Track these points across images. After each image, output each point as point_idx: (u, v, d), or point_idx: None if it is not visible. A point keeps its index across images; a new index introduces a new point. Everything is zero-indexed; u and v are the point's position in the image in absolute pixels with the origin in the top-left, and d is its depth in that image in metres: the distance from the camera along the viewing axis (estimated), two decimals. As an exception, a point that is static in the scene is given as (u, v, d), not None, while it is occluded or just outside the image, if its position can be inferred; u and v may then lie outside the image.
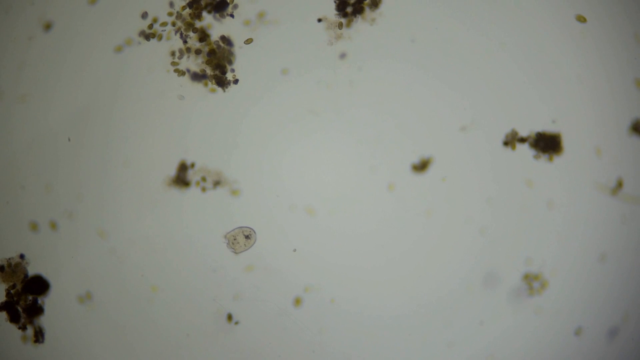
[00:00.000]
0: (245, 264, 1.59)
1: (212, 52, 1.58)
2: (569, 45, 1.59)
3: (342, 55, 1.59)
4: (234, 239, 1.51)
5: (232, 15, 1.58)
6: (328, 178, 1.59)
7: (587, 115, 1.60)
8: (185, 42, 1.59)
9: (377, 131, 1.59)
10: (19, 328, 1.59)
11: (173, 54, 1.59)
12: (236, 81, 1.59)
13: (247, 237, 1.55)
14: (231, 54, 1.59)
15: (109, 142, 1.59)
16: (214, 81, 1.59)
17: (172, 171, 1.59)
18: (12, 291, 1.58)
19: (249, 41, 1.36)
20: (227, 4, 1.58)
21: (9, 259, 1.58)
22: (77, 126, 1.59)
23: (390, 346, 1.59)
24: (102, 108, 1.59)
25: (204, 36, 1.59)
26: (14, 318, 1.59)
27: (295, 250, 1.53)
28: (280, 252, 1.59)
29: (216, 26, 1.58)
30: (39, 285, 1.59)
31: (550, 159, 1.59)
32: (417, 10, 1.59)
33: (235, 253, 1.52)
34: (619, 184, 1.59)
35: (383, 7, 1.58)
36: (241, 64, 1.58)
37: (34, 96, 1.59)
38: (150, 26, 1.59)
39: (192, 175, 1.59)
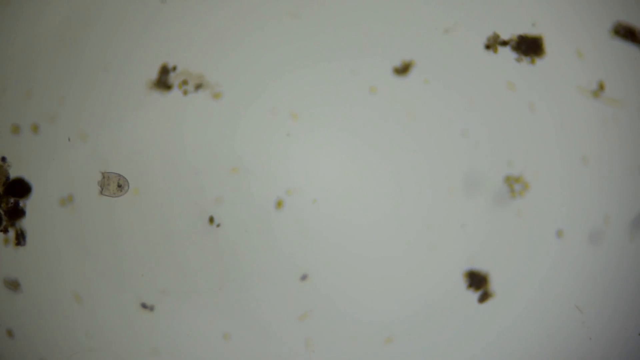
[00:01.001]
0: (228, 167, 1.59)
1: (193, -45, 1.58)
2: (550, -54, 1.59)
3: (324, -42, 1.58)
4: (107, 181, 1.51)
5: None
6: (309, 80, 1.59)
7: (568, 17, 1.60)
8: (166, -56, 1.58)
9: (358, 33, 1.59)
10: (1, 231, 1.59)
11: (154, -44, 1.58)
12: (217, -16, 1.59)
13: (119, 186, 1.54)
14: (212, -44, 1.59)
15: (90, 46, 1.59)
16: (195, -16, 1.58)
17: (154, 74, 1.59)
18: (-7, 194, 1.59)
19: None
20: None
21: (-9, 161, 1.58)
22: (59, 30, 1.59)
23: (371, 247, 1.60)
24: (83, 11, 1.59)
25: (185, -61, 1.58)
26: (-5, 221, 1.59)
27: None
28: (262, 154, 1.59)
29: None
30: (21, 188, 1.59)
31: (532, 61, 1.59)
32: None
33: (101, 194, 1.51)
34: (601, 87, 1.59)
35: None
36: (222, -33, 1.58)
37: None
38: None
39: (173, 78, 1.59)
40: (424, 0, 1.59)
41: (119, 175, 1.51)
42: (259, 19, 1.59)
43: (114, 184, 1.53)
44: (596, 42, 1.59)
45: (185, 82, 1.59)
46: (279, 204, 1.60)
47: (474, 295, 1.61)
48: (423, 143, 1.60)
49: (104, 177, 1.47)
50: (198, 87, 1.59)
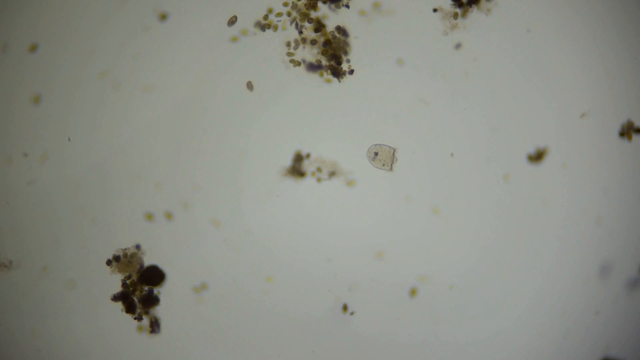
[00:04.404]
0: (362, 255, 1.59)
1: (327, 43, 1.58)
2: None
3: (458, 46, 1.58)
4: (375, 154, 1.46)
5: (347, 6, 1.58)
6: (443, 170, 1.59)
7: (703, 105, 1.59)
8: (300, 32, 1.59)
9: (493, 121, 1.59)
10: (135, 318, 1.58)
11: (289, 44, 1.59)
12: (351, 71, 1.59)
13: (378, 154, 1.49)
14: (347, 44, 1.59)
15: (225, 133, 1.59)
16: (329, 71, 1.59)
17: (288, 161, 1.59)
18: (127, 282, 1.58)
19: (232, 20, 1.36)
20: (343, -6, 1.58)
21: (125, 249, 1.58)
22: (194, 117, 1.59)
23: (507, 337, 1.59)
24: (218, 98, 1.59)
25: (319, 26, 1.59)
26: (130, 308, 1.58)
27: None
28: (394, 241, 1.59)
29: (331, 17, 1.58)
30: (155, 275, 1.59)
31: (666, 149, 1.59)
32: (532, 0, 1.59)
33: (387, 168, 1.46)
34: None
35: (499, -3, 1.58)
36: (357, 55, 1.58)
37: (146, 87, 1.59)
38: (266, 17, 1.59)
39: (307, 166, 1.59)
40: (558, 88, 1.59)
41: (390, 148, 1.47)
42: (393, 106, 1.59)
43: (384, 155, 1.49)
44: None
45: (319, 170, 1.59)
46: (413, 292, 1.59)
47: (609, 384, 1.60)
48: (558, 231, 1.59)
49: (371, 153, 1.43)
50: (332, 174, 1.59)
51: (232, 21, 1.38)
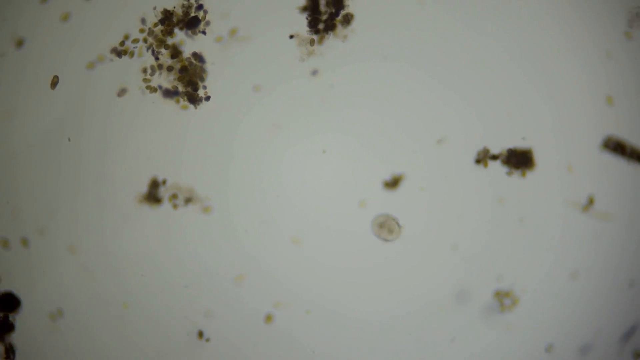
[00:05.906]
0: (219, 281, 1.59)
1: (184, 69, 1.58)
2: (540, 62, 1.59)
3: (314, 72, 1.59)
4: (380, 226, 1.48)
5: (204, 32, 1.59)
6: (301, 198, 1.59)
7: (558, 131, 1.60)
8: (157, 58, 1.59)
9: (349, 148, 1.59)
10: (-10, 345, 1.58)
11: (145, 70, 1.59)
12: (208, 98, 1.59)
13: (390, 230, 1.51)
14: (203, 70, 1.59)
15: (81, 159, 1.59)
16: (185, 98, 1.59)
17: (144, 188, 1.59)
18: (-17, 308, 1.58)
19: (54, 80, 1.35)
20: (199, 21, 1.58)
21: (-20, 275, 1.58)
22: (49, 143, 1.59)
23: (364, 356, 1.60)
24: (73, 125, 1.59)
25: (175, 53, 1.59)
26: (-16, 335, 1.58)
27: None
28: (250, 268, 1.59)
29: (188, 43, 1.58)
30: (10, 302, 1.58)
31: (523, 174, 1.60)
32: (388, 27, 1.59)
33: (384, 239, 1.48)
34: (590, 201, 1.59)
35: (355, 24, 1.58)
36: (213, 81, 1.59)
37: (5, 113, 1.59)
38: (122, 43, 1.59)
39: (163, 192, 1.59)
40: (413, 116, 1.59)
41: (394, 218, 1.49)
42: (250, 132, 1.59)
43: (387, 227, 1.51)
44: (586, 156, 1.59)
45: (175, 196, 1.59)
46: (269, 318, 1.59)
47: (464, 409, 1.61)
48: (412, 258, 1.60)
49: (376, 226, 1.45)
50: (188, 201, 1.59)
51: (54, 82, 1.38)
